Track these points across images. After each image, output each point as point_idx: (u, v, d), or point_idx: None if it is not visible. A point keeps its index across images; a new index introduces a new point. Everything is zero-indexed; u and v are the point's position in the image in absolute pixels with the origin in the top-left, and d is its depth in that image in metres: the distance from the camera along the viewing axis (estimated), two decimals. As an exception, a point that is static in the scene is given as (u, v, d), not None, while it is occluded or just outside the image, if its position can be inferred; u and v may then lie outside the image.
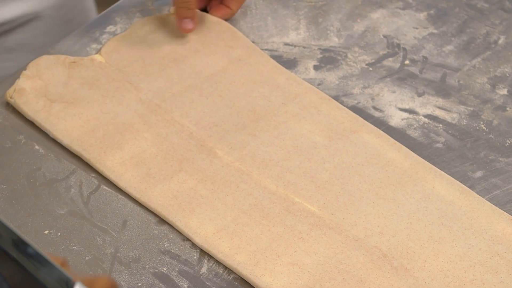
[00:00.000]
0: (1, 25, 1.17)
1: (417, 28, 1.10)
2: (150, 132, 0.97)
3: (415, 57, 1.07)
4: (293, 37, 1.09)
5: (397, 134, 0.98)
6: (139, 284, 0.85)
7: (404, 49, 1.08)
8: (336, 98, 1.01)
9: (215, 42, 1.07)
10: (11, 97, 0.99)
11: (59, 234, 0.89)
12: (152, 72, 1.03)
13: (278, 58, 1.05)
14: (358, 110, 1.00)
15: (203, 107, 1.00)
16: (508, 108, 1.01)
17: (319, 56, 1.07)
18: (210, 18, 1.09)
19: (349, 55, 1.07)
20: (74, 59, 1.03)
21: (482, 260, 0.86)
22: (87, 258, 0.87)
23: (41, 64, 1.02)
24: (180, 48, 1.06)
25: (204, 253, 0.88)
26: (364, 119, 0.98)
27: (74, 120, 0.98)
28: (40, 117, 0.98)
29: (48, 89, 1.00)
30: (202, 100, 1.00)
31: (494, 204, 0.90)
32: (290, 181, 0.92)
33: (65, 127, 0.97)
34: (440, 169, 0.93)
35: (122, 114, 0.98)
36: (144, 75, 1.03)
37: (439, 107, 1.01)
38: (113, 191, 0.93)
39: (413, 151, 0.95)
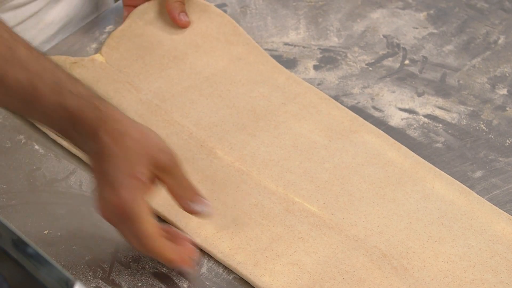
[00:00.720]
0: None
1: (417, 28, 1.10)
2: None
3: (415, 57, 1.07)
4: (293, 37, 1.09)
5: (397, 134, 0.98)
6: (139, 284, 0.85)
7: (404, 49, 1.08)
8: (336, 98, 1.01)
9: (215, 36, 1.06)
10: None
11: (59, 234, 0.89)
12: (153, 73, 1.03)
13: (278, 58, 1.05)
14: (358, 110, 1.00)
15: (203, 107, 1.00)
16: (508, 108, 1.01)
17: (319, 56, 1.07)
18: (213, 9, 1.08)
19: (349, 55, 1.07)
20: (75, 60, 1.03)
21: (482, 260, 0.86)
22: (87, 258, 0.87)
23: None
24: (181, 43, 1.06)
25: (204, 253, 0.88)
26: (364, 119, 0.98)
27: None
28: None
29: None
30: (202, 100, 1.00)
31: (494, 204, 0.90)
32: (290, 181, 0.92)
33: None
34: (440, 169, 0.93)
35: None
36: (144, 75, 1.03)
37: (439, 107, 1.01)
38: (113, 191, 0.93)
39: (413, 151, 0.95)
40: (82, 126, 0.79)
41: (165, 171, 0.81)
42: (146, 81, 1.02)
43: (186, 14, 1.06)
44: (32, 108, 0.80)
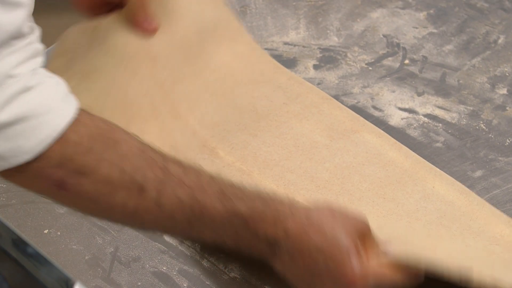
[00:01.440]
0: None
1: (416, 28, 1.10)
2: (156, 124, 0.94)
3: (414, 56, 1.07)
4: (292, 36, 1.09)
5: (397, 133, 0.98)
6: (139, 284, 0.85)
7: (404, 48, 1.08)
8: (336, 97, 1.01)
9: (221, 33, 1.04)
10: None
11: (59, 233, 0.89)
12: (165, 46, 0.97)
13: (278, 58, 1.05)
14: (358, 110, 1.00)
15: (207, 104, 0.99)
16: (507, 108, 1.01)
17: (319, 55, 1.07)
18: (222, 6, 1.04)
19: (348, 54, 1.07)
20: (95, 24, 0.96)
21: (478, 259, 0.86)
22: (86, 257, 0.87)
23: (69, 38, 0.97)
24: (195, 23, 1.00)
25: (204, 252, 0.88)
26: (363, 118, 0.98)
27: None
28: None
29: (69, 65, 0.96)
30: (207, 97, 0.99)
31: (493, 204, 0.90)
32: (290, 181, 0.92)
33: None
34: (440, 169, 0.93)
35: (133, 93, 0.94)
36: (163, 45, 0.97)
37: (438, 107, 1.01)
38: (113, 191, 0.92)
39: (413, 151, 0.95)
40: (260, 228, 0.75)
41: (364, 236, 0.78)
42: (164, 53, 0.96)
43: (152, 18, 0.95)
44: (199, 223, 0.76)
